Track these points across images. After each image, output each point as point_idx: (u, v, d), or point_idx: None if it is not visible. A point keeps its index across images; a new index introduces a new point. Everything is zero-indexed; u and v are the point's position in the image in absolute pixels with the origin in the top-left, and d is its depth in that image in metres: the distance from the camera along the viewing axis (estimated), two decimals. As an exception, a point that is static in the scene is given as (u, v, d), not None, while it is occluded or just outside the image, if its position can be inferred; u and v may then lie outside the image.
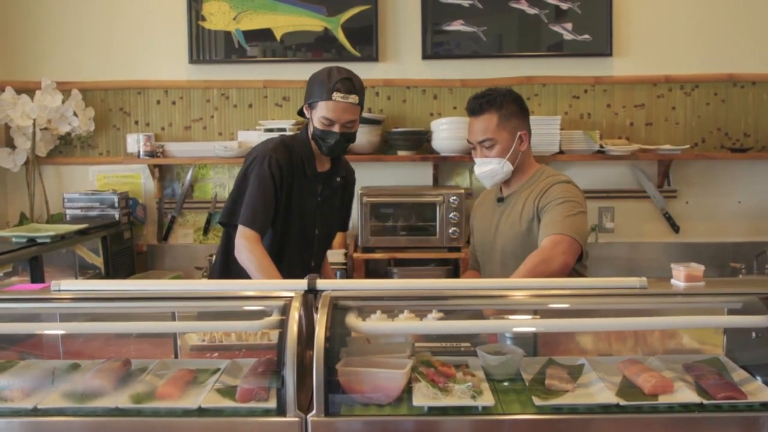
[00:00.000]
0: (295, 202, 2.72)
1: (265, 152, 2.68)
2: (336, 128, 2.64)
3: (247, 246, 2.58)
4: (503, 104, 2.62)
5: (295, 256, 2.78)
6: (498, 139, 2.62)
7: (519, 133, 2.64)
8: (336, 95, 2.59)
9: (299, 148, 2.74)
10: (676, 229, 4.35)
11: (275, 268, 2.53)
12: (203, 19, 4.29)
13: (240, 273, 2.60)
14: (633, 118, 4.33)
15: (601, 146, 4.11)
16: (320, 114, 2.63)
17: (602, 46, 4.25)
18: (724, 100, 4.31)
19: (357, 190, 4.02)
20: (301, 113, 2.80)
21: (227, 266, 2.75)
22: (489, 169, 2.64)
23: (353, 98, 2.63)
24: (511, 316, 2.12)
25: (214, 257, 3.13)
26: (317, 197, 2.80)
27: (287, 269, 2.64)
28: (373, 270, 4.17)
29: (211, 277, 2.81)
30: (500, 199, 2.74)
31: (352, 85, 2.64)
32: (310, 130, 2.73)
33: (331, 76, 2.62)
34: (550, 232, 2.46)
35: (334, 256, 4.11)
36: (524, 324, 2.14)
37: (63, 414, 1.79)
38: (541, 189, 2.62)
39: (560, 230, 2.44)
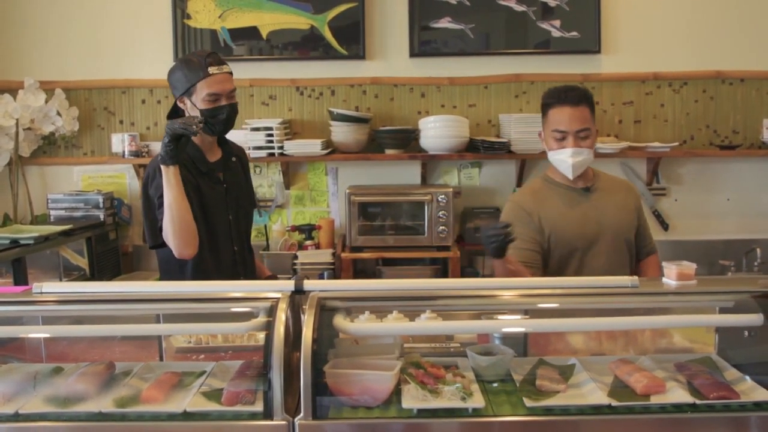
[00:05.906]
0: (206, 199, 2.68)
1: (156, 169, 2.60)
2: (223, 101, 2.63)
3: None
4: (591, 100, 2.76)
5: (223, 243, 2.74)
6: (592, 130, 2.73)
7: (595, 129, 2.79)
8: (212, 69, 2.59)
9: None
10: (665, 226, 4.34)
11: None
12: (188, 17, 4.25)
13: None
14: (621, 116, 4.32)
15: (590, 144, 4.09)
16: (204, 93, 2.60)
17: (590, 44, 4.24)
18: (712, 98, 4.31)
19: (345, 190, 4.04)
20: (174, 112, 2.71)
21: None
22: (583, 158, 2.71)
23: (227, 68, 2.65)
24: (502, 317, 2.10)
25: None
26: (222, 185, 2.77)
27: (215, 259, 2.69)
28: (361, 270, 4.14)
29: None
30: (587, 189, 2.79)
31: (219, 58, 2.66)
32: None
33: (197, 57, 2.62)
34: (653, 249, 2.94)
35: (322, 255, 4.09)
36: (515, 324, 2.13)
37: (45, 419, 1.76)
38: (628, 186, 2.97)
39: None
